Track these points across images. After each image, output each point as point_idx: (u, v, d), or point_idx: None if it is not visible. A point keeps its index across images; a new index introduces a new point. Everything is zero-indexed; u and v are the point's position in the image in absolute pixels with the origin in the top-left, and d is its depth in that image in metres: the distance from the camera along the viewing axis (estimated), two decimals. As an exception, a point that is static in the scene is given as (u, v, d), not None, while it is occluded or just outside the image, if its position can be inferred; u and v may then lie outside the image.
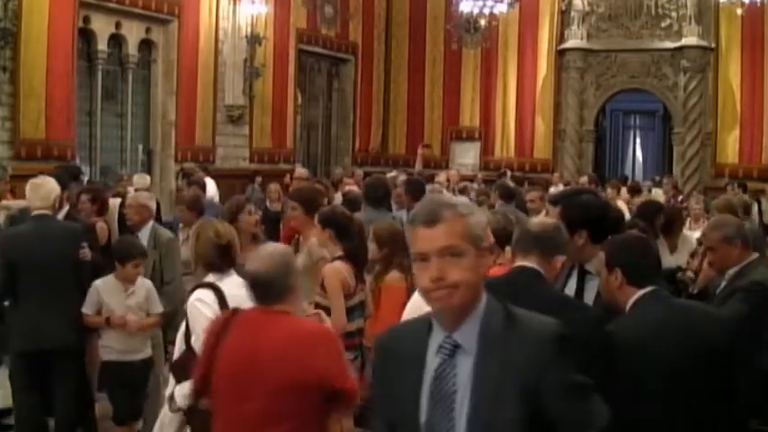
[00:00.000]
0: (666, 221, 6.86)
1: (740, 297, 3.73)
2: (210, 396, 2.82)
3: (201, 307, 3.32)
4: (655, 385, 2.45)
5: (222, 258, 3.53)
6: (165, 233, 5.62)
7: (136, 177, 9.74)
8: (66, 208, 5.67)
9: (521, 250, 2.71)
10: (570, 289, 3.03)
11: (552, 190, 11.09)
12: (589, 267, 3.00)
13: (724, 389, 2.60)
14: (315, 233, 4.60)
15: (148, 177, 10.05)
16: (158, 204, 9.16)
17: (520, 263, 2.68)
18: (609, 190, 11.91)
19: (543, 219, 2.88)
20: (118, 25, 12.04)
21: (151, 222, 5.60)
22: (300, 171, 8.78)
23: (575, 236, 2.95)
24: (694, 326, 2.61)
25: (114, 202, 8.60)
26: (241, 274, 3.88)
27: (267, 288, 2.76)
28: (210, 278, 3.48)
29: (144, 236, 5.47)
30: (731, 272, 3.94)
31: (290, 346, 2.70)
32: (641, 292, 2.66)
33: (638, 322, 2.59)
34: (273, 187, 9.63)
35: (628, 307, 2.68)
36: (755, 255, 4.01)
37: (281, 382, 2.66)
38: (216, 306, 3.32)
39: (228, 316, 2.88)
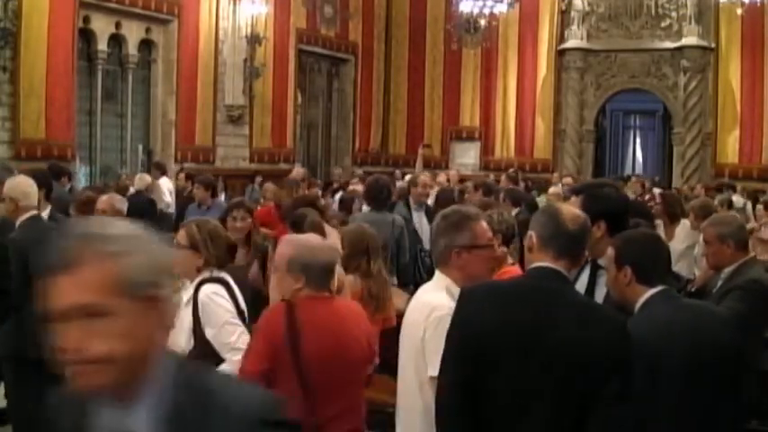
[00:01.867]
0: (667, 210, 6.98)
1: (736, 296, 3.73)
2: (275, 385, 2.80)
3: (220, 301, 3.35)
4: (664, 385, 2.44)
5: (231, 256, 3.69)
6: None
7: (137, 178, 9.68)
8: (48, 208, 5.38)
9: (554, 251, 2.46)
10: (582, 283, 2.98)
11: (552, 190, 11.09)
12: (602, 262, 2.92)
13: (730, 389, 2.59)
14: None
15: (148, 177, 10.02)
16: (153, 207, 9.20)
17: (544, 264, 2.48)
18: None
19: (575, 212, 2.59)
20: (118, 25, 12.04)
21: None
22: (298, 171, 8.71)
23: (593, 227, 2.85)
24: (703, 327, 2.58)
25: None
26: (235, 274, 3.89)
27: (331, 276, 3.04)
28: (215, 273, 3.49)
29: None
30: (727, 270, 3.97)
31: (359, 326, 3.06)
32: (652, 291, 2.61)
33: (650, 323, 2.54)
34: (269, 186, 9.58)
35: (638, 306, 2.62)
36: (752, 254, 4.03)
37: (361, 358, 3.02)
38: (230, 299, 3.38)
39: (287, 307, 2.92)
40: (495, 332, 2.40)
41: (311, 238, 3.23)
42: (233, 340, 3.26)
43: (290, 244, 3.07)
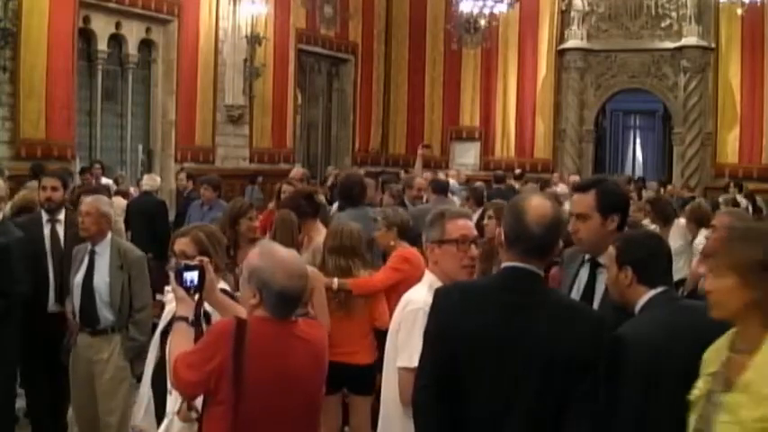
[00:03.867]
0: (659, 216, 7.03)
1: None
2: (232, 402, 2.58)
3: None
4: (665, 387, 2.42)
5: (230, 258, 3.62)
6: (134, 249, 4.76)
7: (145, 178, 9.58)
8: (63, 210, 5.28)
9: (519, 252, 2.47)
10: (581, 281, 2.99)
11: (560, 189, 11.04)
12: (601, 260, 2.93)
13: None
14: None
15: (158, 179, 9.87)
16: (165, 209, 9.14)
17: (515, 263, 2.49)
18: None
19: (542, 211, 2.50)
20: (118, 25, 12.03)
21: (110, 235, 4.66)
22: (296, 171, 8.70)
23: (607, 220, 2.90)
24: (704, 328, 2.54)
25: (120, 203, 8.60)
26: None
27: (297, 304, 2.67)
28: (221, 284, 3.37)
29: (104, 251, 4.57)
30: None
31: (316, 359, 2.71)
32: (652, 292, 2.58)
33: (651, 324, 2.52)
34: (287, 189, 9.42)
35: (638, 307, 2.60)
36: None
37: (314, 389, 2.72)
38: None
39: (240, 327, 2.56)
40: (469, 332, 2.42)
41: (287, 255, 2.68)
42: None
43: (260, 253, 2.67)
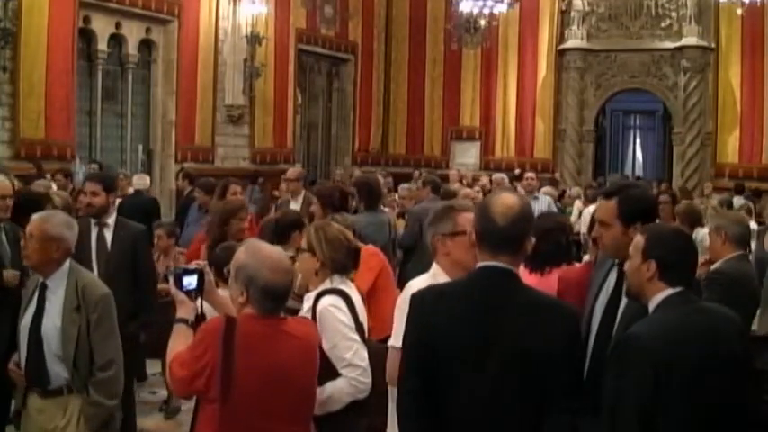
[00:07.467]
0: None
1: (698, 286, 3.75)
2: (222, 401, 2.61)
3: (338, 314, 3.21)
4: (674, 387, 2.42)
5: (353, 261, 3.47)
6: (96, 286, 3.60)
7: (135, 178, 9.63)
8: (114, 214, 5.02)
9: (489, 248, 2.48)
10: (610, 283, 2.98)
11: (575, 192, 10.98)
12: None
13: (737, 394, 2.56)
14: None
15: (148, 178, 9.93)
16: (157, 205, 9.16)
17: (487, 263, 2.49)
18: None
19: (508, 204, 2.50)
20: (118, 25, 12.03)
21: (68, 264, 3.56)
22: (291, 171, 8.66)
23: (629, 229, 2.88)
24: (716, 329, 2.55)
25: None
26: None
27: (284, 300, 2.71)
28: (336, 282, 3.34)
29: (57, 287, 3.49)
30: (713, 267, 3.99)
31: (307, 355, 2.76)
32: (670, 291, 2.55)
33: (663, 325, 2.51)
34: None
35: (653, 304, 2.58)
36: (739, 252, 4.03)
37: (305, 385, 2.77)
38: (348, 312, 3.26)
39: (229, 325, 2.60)
40: (446, 335, 2.43)
41: (272, 251, 2.74)
42: (348, 356, 3.16)
43: (246, 250, 2.73)
